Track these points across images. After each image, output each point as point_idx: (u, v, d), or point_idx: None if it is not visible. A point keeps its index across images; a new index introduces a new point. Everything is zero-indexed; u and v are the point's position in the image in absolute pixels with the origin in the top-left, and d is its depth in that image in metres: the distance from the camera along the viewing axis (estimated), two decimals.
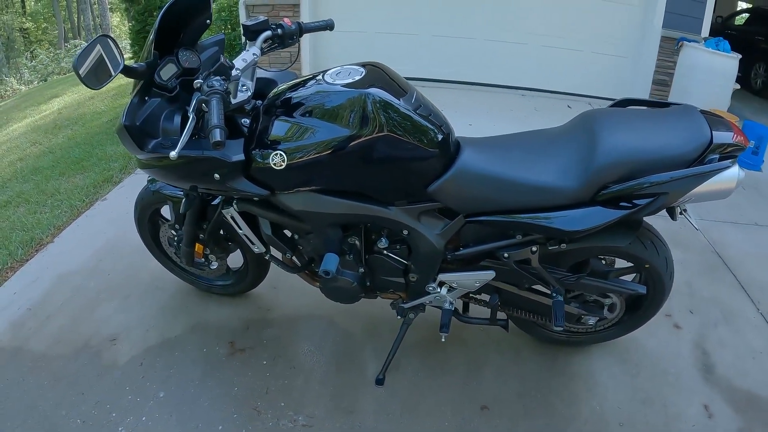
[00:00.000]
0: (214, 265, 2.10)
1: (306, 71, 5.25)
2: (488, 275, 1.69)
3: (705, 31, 4.96)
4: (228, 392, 1.88)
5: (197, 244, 1.96)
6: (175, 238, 2.05)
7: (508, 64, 5.46)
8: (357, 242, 1.69)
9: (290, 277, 2.18)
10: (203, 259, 2.07)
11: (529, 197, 1.49)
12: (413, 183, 1.52)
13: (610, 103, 1.76)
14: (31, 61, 16.66)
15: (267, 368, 1.98)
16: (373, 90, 1.44)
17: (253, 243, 1.83)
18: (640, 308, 1.88)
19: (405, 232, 1.61)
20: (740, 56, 4.47)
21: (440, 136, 1.50)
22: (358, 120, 1.42)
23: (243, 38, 1.64)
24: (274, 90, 1.61)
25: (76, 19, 23.35)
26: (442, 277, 1.73)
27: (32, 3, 23.81)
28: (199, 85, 1.40)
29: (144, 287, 2.40)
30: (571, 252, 1.66)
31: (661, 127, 1.49)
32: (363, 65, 1.55)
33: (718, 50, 4.43)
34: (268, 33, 1.63)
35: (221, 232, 1.97)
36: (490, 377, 1.98)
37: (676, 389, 1.94)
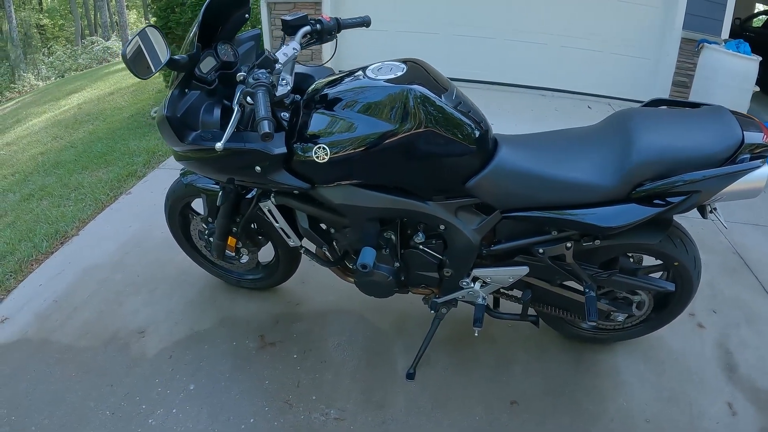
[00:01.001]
0: (245, 259, 2.11)
1: None
2: (522, 271, 1.71)
3: (725, 32, 4.93)
4: (259, 385, 1.90)
5: (230, 238, 1.98)
6: (206, 232, 2.06)
7: (528, 65, 5.44)
8: (393, 237, 1.70)
9: (319, 272, 2.19)
10: (234, 253, 2.08)
11: (565, 194, 1.51)
12: (452, 178, 1.53)
13: (642, 103, 1.78)
14: (48, 57, 16.81)
15: (297, 362, 2.00)
16: (414, 86, 1.46)
17: (288, 236, 1.84)
18: (667, 306, 1.89)
19: (442, 227, 1.63)
20: (761, 58, 4.42)
21: (479, 133, 1.52)
22: (400, 115, 1.43)
23: (282, 33, 1.66)
24: (314, 84, 1.62)
25: (92, 16, 23.56)
26: (476, 272, 1.74)
27: (48, 0, 24.07)
28: (242, 77, 1.41)
29: (171, 281, 2.42)
30: (604, 248, 1.68)
31: (693, 127, 1.51)
32: (404, 61, 1.56)
33: (739, 52, 4.39)
34: (307, 28, 1.65)
35: (253, 225, 1.99)
36: (518, 373, 1.99)
37: (700, 387, 1.96)
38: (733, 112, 1.53)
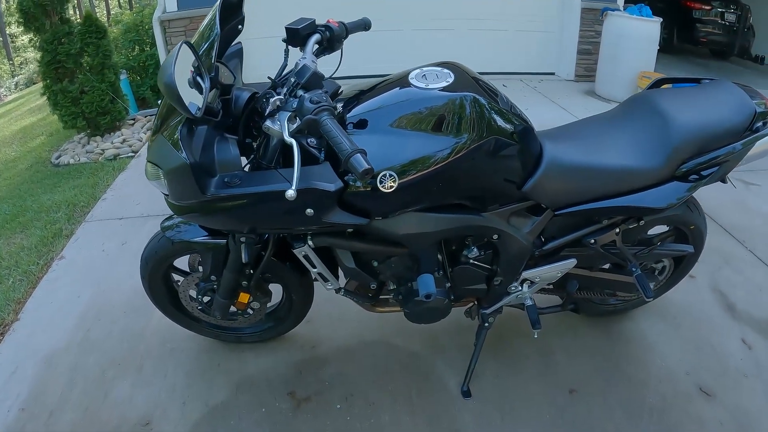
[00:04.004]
0: (250, 312, 1.87)
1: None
2: (570, 263, 1.71)
3: None
4: None
5: (242, 294, 1.73)
6: (203, 293, 1.78)
7: (439, 52, 5.39)
8: (439, 257, 1.59)
9: (320, 307, 2.05)
10: (243, 309, 1.82)
11: (618, 183, 1.53)
12: (511, 184, 1.45)
13: (647, 85, 1.86)
14: None
15: (344, 412, 1.81)
16: (473, 93, 1.35)
17: (327, 280, 1.64)
18: (679, 267, 2.01)
19: (495, 236, 1.54)
20: (661, 19, 4.75)
21: (530, 133, 1.46)
22: (466, 125, 1.31)
23: (285, 44, 1.43)
24: (335, 102, 1.42)
25: None
26: (525, 274, 1.70)
27: None
28: (280, 103, 1.21)
29: (155, 352, 2.09)
30: (644, 227, 1.74)
31: (713, 103, 1.62)
32: (442, 65, 1.43)
33: (642, 16, 4.69)
34: (317, 36, 1.45)
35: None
36: (563, 361, 2.01)
37: (715, 331, 2.12)
38: (737, 84, 1.67)
